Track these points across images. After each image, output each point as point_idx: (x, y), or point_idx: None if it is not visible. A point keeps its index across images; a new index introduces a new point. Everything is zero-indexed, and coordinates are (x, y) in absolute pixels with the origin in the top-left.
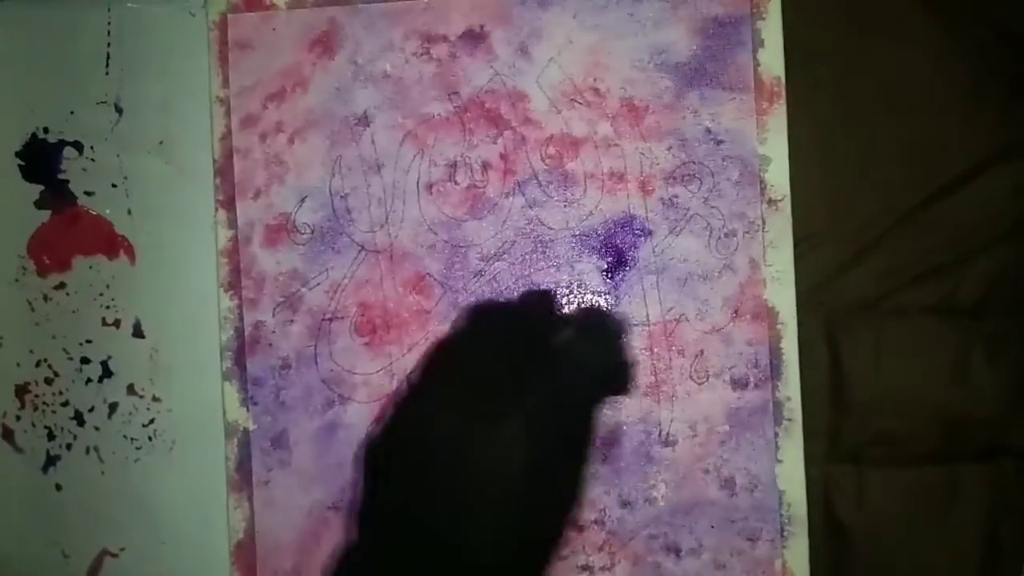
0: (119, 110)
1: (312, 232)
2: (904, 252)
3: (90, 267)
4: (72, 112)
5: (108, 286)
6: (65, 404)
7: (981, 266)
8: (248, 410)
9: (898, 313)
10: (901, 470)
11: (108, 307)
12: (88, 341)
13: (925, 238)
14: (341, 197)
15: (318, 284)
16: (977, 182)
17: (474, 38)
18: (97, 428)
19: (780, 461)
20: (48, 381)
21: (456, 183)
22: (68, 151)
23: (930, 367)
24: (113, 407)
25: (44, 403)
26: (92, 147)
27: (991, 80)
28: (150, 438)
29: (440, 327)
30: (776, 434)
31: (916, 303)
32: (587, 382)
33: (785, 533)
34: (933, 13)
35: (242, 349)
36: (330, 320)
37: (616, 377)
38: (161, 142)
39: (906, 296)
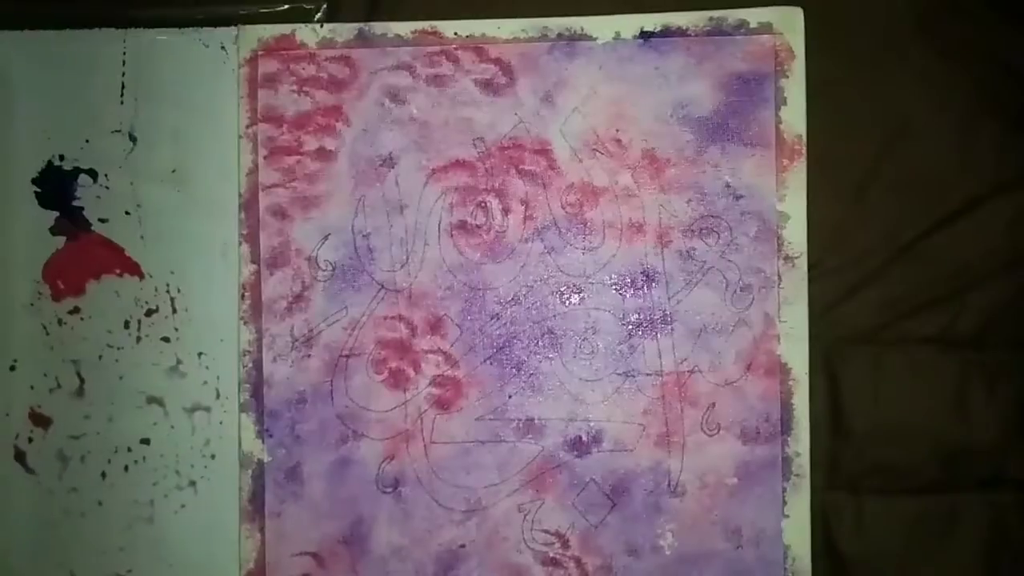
0: (133, 139)
1: (333, 269)
2: (903, 283)
3: (103, 292)
4: (87, 140)
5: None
6: None
7: (980, 297)
8: (263, 442)
9: (898, 344)
10: (900, 500)
11: None
12: None
13: (924, 269)
14: (363, 236)
15: (337, 320)
16: (976, 214)
17: (500, 85)
18: None
19: (787, 516)
20: None
21: (477, 227)
22: (83, 179)
23: (929, 397)
24: None
25: None
26: (106, 175)
27: (990, 114)
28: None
29: (456, 368)
30: (784, 489)
31: (915, 334)
32: None
33: None
34: (933, 48)
35: (259, 381)
36: (347, 356)
37: None
38: (174, 170)
39: (906, 327)
